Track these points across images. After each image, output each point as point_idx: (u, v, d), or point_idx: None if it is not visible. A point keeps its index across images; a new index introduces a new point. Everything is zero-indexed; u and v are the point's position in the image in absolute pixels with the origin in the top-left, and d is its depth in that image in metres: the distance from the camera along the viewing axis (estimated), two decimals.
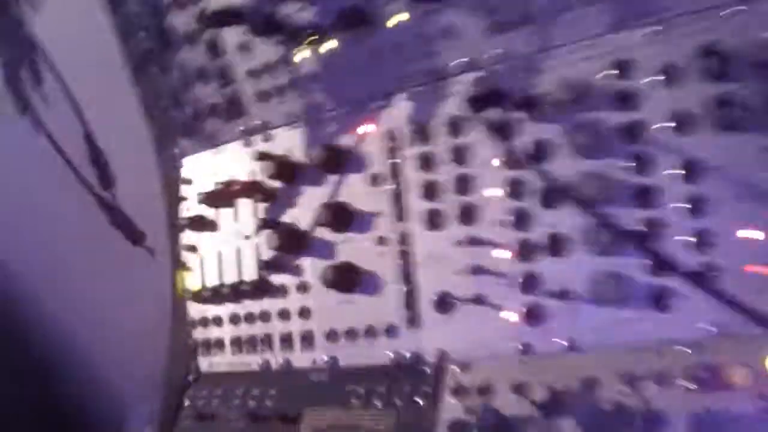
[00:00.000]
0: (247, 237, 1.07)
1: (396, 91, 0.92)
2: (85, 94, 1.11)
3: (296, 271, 1.01)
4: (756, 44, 0.67)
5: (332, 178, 0.97)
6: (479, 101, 0.81)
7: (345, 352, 0.96)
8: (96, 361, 1.42)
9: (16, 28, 1.07)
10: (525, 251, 0.82)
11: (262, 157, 1.01)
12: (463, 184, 0.87)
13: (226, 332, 1.10)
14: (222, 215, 1.10)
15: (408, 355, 0.90)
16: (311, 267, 1.00)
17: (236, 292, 1.05)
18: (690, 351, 0.70)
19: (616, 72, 0.76)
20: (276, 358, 1.03)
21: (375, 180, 0.94)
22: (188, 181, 1.15)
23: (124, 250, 1.14)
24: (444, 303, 0.88)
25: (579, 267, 0.78)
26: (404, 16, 0.89)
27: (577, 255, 0.78)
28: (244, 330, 1.07)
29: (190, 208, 1.13)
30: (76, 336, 1.43)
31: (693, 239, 0.72)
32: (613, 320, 0.75)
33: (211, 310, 1.11)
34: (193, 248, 1.14)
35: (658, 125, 0.74)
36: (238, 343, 1.08)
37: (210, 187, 1.07)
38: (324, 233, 0.98)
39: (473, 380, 0.83)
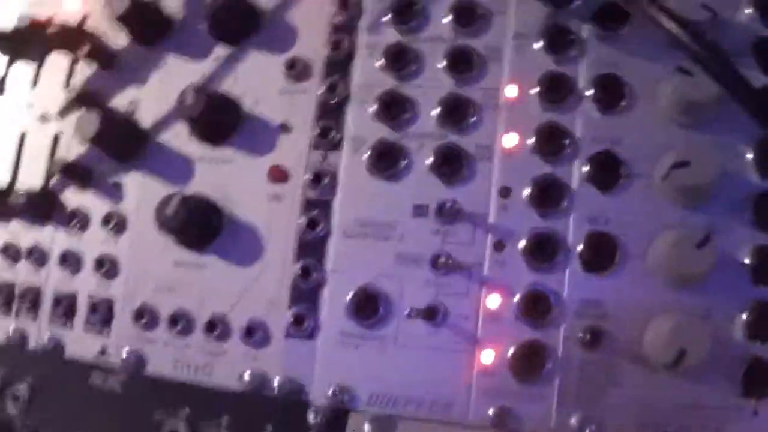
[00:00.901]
0: (44, 117, 0.82)
1: None
2: None
3: (113, 191, 0.77)
4: None
5: (220, 51, 0.73)
6: None
7: (160, 349, 0.71)
8: None
9: None
10: None
11: None
12: None
13: None
14: (13, 72, 0.85)
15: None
16: (140, 190, 0.75)
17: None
18: None
19: None
20: (40, 332, 0.78)
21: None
22: None
23: None
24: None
25: None
26: None
27: None
28: None
29: None
30: None
31: None
32: None
33: None
34: None
35: None
36: None
37: (7, 24, 0.82)
38: (180, 139, 0.73)
39: None
